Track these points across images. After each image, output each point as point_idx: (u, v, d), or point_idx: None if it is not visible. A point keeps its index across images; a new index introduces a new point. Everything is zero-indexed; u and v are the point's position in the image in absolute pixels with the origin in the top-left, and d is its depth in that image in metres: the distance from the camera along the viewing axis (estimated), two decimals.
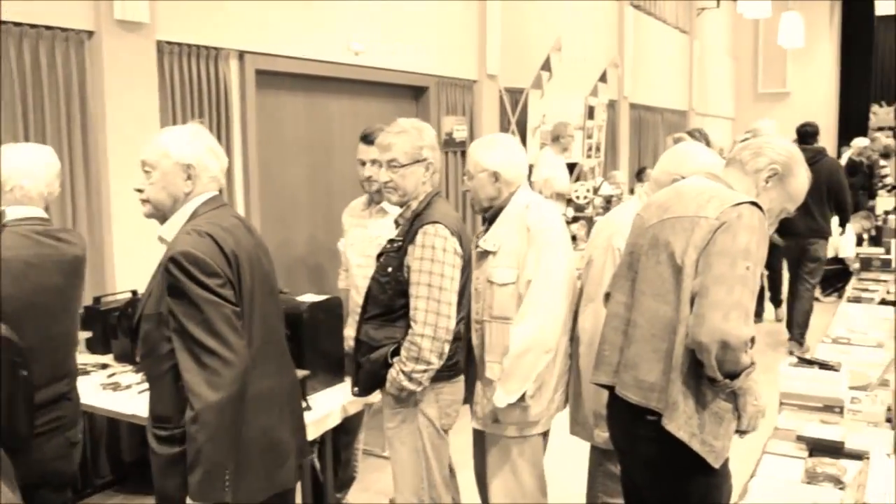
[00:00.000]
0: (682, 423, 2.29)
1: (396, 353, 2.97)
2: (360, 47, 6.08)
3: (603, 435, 3.00)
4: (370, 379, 3.06)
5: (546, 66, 8.20)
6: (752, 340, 2.23)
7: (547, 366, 3.06)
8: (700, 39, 15.14)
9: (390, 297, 3.00)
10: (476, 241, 3.21)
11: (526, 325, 3.00)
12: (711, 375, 2.22)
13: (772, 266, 7.74)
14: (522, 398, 3.03)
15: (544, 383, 3.09)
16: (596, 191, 7.19)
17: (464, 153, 7.53)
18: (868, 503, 1.64)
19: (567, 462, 3.66)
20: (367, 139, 3.76)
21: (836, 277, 8.40)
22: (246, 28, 5.09)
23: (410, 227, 3.01)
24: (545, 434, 3.26)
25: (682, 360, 2.28)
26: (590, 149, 9.26)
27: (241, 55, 5.11)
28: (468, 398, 3.24)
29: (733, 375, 2.21)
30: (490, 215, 3.19)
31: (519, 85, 8.22)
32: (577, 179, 8.53)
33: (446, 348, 2.95)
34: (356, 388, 3.14)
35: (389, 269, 3.01)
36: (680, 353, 2.28)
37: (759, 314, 7.88)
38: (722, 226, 2.26)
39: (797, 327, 7.12)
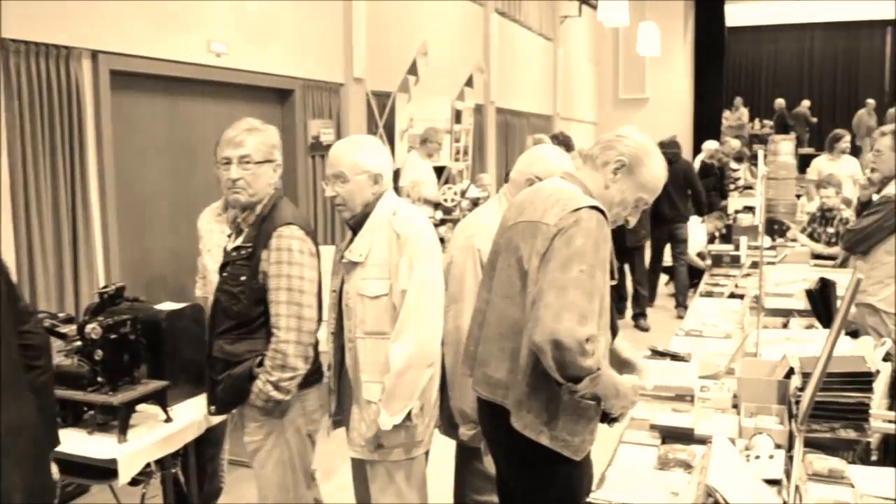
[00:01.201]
0: (529, 421, 2.33)
1: (259, 364, 2.85)
2: (222, 48, 5.95)
3: (468, 433, 3.04)
4: (231, 395, 2.91)
5: (412, 70, 8.25)
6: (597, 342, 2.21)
7: (430, 379, 2.94)
8: (563, 46, 15.58)
9: (246, 308, 2.86)
10: (341, 252, 3.05)
11: (405, 339, 2.85)
12: (556, 379, 2.21)
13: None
14: (408, 417, 2.89)
15: (428, 399, 2.98)
16: (463, 194, 7.28)
17: None
18: (707, 483, 1.73)
19: (434, 462, 3.69)
20: None
21: (692, 274, 8.80)
22: (99, 26, 4.89)
23: (259, 231, 2.88)
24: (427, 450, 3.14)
25: (528, 360, 2.32)
26: (457, 152, 9.38)
27: (95, 55, 4.90)
28: (341, 421, 3.14)
29: (577, 379, 2.18)
30: (354, 223, 3.00)
31: (386, 88, 8.23)
32: (446, 182, 8.62)
33: (311, 352, 2.88)
34: (212, 408, 3.00)
35: (243, 278, 2.86)
36: (527, 354, 2.32)
37: (620, 310, 8.19)
38: (559, 232, 2.28)
39: (680, 295, 8.58)
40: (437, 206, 7.25)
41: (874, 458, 3.21)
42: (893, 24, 22.02)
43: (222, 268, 2.98)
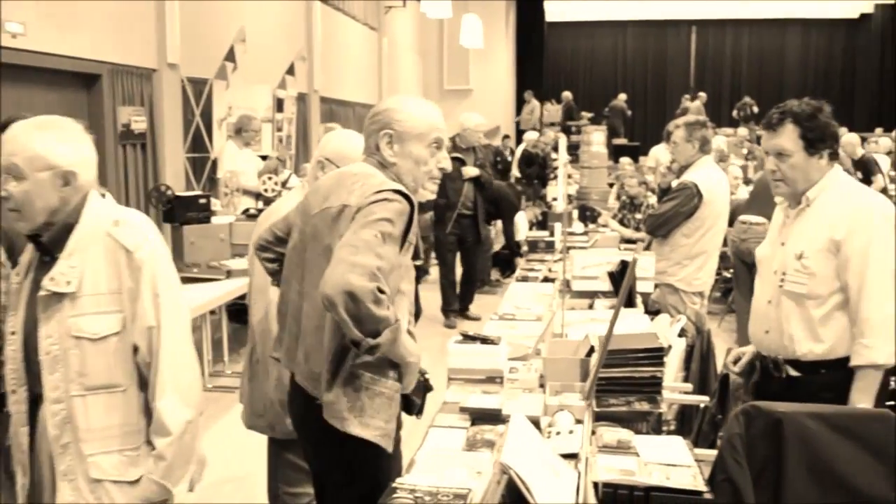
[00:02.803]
0: (340, 409, 2.30)
1: None
2: (18, 29, 5.55)
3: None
4: None
5: (230, 56, 8.04)
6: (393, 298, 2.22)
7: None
8: (388, 36, 15.62)
9: None
10: (21, 277, 2.36)
11: (174, 391, 2.27)
12: (352, 337, 2.13)
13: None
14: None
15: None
16: (284, 184, 7.15)
17: (143, 146, 7.16)
18: (501, 461, 1.78)
19: (246, 457, 3.62)
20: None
21: (513, 260, 9.07)
22: None
23: None
24: None
25: (331, 343, 2.29)
26: (280, 141, 9.22)
27: None
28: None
29: (375, 333, 2.12)
30: (49, 239, 2.27)
31: (202, 75, 7.97)
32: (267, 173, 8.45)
33: None
34: None
35: None
36: (330, 338, 2.29)
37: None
38: (359, 210, 2.27)
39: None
40: (257, 196, 7.08)
41: (672, 427, 3.42)
42: (697, 24, 23.58)
43: None
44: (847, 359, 2.83)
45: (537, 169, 12.39)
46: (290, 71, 9.60)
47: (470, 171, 7.53)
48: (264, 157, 8.42)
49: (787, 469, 2.03)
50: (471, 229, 7.81)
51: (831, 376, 2.86)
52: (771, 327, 2.98)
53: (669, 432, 3.13)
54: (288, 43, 10.32)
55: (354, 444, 2.34)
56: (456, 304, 7.95)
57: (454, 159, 7.56)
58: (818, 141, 2.87)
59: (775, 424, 2.06)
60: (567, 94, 19.85)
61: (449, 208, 7.59)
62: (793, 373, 2.92)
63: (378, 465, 2.45)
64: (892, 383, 2.93)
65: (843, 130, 9.65)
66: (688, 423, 3.51)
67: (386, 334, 2.14)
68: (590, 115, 19.75)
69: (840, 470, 2.04)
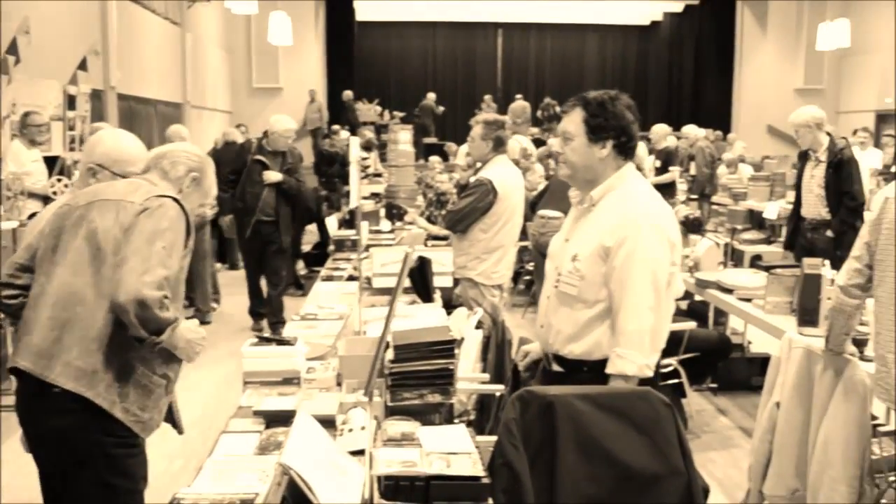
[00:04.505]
0: (103, 389, 2.46)
1: None
2: None
3: None
4: None
5: (12, 49, 7.49)
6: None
7: None
8: (192, 32, 15.09)
9: None
10: None
11: None
12: (139, 336, 2.43)
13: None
14: None
15: None
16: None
17: None
18: (281, 461, 1.77)
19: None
20: None
21: (322, 260, 9.00)
22: None
23: None
24: None
25: (106, 329, 2.49)
26: (73, 141, 8.69)
27: None
28: None
29: (159, 332, 2.44)
30: None
31: None
32: (60, 174, 7.94)
33: None
34: None
35: None
36: (103, 324, 2.49)
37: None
38: (145, 210, 2.52)
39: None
40: (45, 199, 6.64)
41: (472, 417, 3.51)
42: (503, 27, 24.35)
43: None
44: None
45: (338, 167, 12.38)
46: (83, 66, 9.06)
47: (271, 175, 7.13)
48: (55, 158, 7.92)
49: (560, 449, 2.14)
50: (274, 236, 7.35)
51: (592, 376, 2.80)
52: (544, 323, 2.97)
53: (470, 422, 3.21)
54: (79, 36, 9.74)
55: (101, 430, 2.49)
56: (263, 308, 7.72)
57: (256, 162, 7.20)
58: (600, 129, 2.78)
59: (548, 407, 2.16)
60: (347, 94, 19.76)
61: (247, 213, 7.21)
62: (557, 368, 2.91)
63: (121, 452, 2.57)
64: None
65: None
66: (487, 412, 3.61)
67: (168, 332, 2.47)
68: (401, 114, 19.91)
69: (608, 446, 2.18)
